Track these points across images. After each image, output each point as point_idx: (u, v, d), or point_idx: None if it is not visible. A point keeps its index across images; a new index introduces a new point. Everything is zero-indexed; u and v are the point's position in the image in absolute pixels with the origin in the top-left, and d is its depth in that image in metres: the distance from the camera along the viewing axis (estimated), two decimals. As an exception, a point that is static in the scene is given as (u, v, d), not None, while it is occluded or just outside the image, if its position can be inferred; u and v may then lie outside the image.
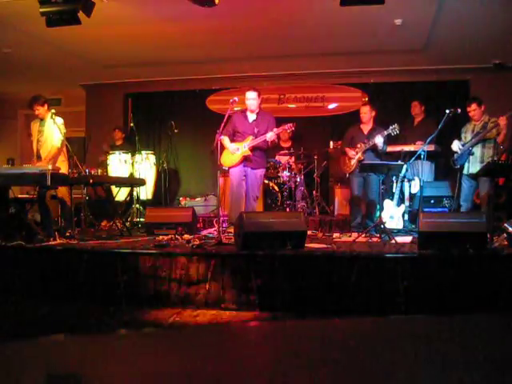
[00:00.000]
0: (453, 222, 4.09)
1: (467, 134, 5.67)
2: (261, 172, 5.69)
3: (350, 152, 6.00)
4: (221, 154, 5.38)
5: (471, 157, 5.50)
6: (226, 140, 5.53)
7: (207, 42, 6.96)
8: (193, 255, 4.08)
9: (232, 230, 4.91)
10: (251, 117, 5.65)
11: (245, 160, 5.53)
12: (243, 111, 5.74)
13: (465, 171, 5.60)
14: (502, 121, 5.21)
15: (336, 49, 7.29)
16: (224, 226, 5.70)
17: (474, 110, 5.56)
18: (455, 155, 5.69)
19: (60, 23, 5.22)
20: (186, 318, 3.61)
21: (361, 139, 5.96)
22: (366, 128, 6.06)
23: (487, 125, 5.49)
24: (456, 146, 5.66)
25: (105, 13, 5.55)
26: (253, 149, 5.50)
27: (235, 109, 5.67)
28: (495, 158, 5.34)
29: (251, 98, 5.56)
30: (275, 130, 5.46)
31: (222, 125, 5.22)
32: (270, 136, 5.39)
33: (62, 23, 5.22)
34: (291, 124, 5.60)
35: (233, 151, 5.52)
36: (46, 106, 5.52)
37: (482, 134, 5.43)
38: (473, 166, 5.51)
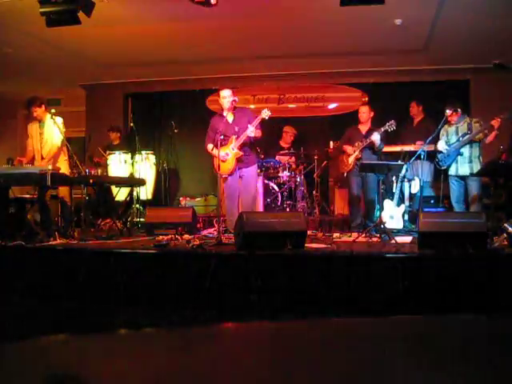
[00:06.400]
0: (453, 221, 4.08)
1: (451, 136, 5.59)
2: (254, 168, 5.61)
3: (348, 148, 6.02)
4: (216, 162, 5.23)
5: (459, 157, 5.47)
6: (213, 149, 5.38)
7: (207, 42, 6.96)
8: (193, 255, 4.08)
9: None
10: (230, 117, 5.49)
11: (238, 162, 5.43)
12: (220, 114, 5.60)
13: (452, 172, 5.54)
14: (496, 123, 5.17)
15: (336, 49, 7.29)
16: (224, 225, 5.68)
17: (456, 115, 5.51)
18: (440, 156, 5.63)
19: (60, 23, 5.22)
20: (186, 318, 3.61)
21: (358, 139, 5.98)
22: (363, 128, 6.10)
23: (471, 125, 5.47)
24: (442, 145, 5.60)
25: (105, 13, 5.55)
26: (241, 147, 5.42)
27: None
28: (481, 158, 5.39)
29: (227, 95, 5.41)
30: (250, 125, 5.26)
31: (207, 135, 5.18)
32: (250, 131, 5.25)
33: (62, 23, 5.22)
34: (266, 109, 5.35)
35: (222, 158, 5.26)
36: (43, 107, 5.47)
37: (471, 135, 5.40)
38: (461, 167, 5.47)
